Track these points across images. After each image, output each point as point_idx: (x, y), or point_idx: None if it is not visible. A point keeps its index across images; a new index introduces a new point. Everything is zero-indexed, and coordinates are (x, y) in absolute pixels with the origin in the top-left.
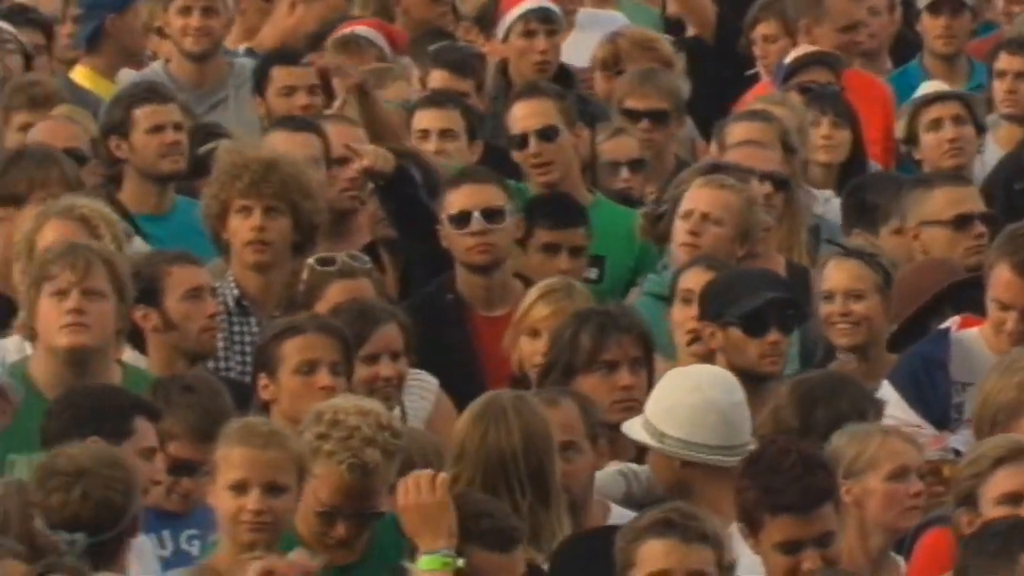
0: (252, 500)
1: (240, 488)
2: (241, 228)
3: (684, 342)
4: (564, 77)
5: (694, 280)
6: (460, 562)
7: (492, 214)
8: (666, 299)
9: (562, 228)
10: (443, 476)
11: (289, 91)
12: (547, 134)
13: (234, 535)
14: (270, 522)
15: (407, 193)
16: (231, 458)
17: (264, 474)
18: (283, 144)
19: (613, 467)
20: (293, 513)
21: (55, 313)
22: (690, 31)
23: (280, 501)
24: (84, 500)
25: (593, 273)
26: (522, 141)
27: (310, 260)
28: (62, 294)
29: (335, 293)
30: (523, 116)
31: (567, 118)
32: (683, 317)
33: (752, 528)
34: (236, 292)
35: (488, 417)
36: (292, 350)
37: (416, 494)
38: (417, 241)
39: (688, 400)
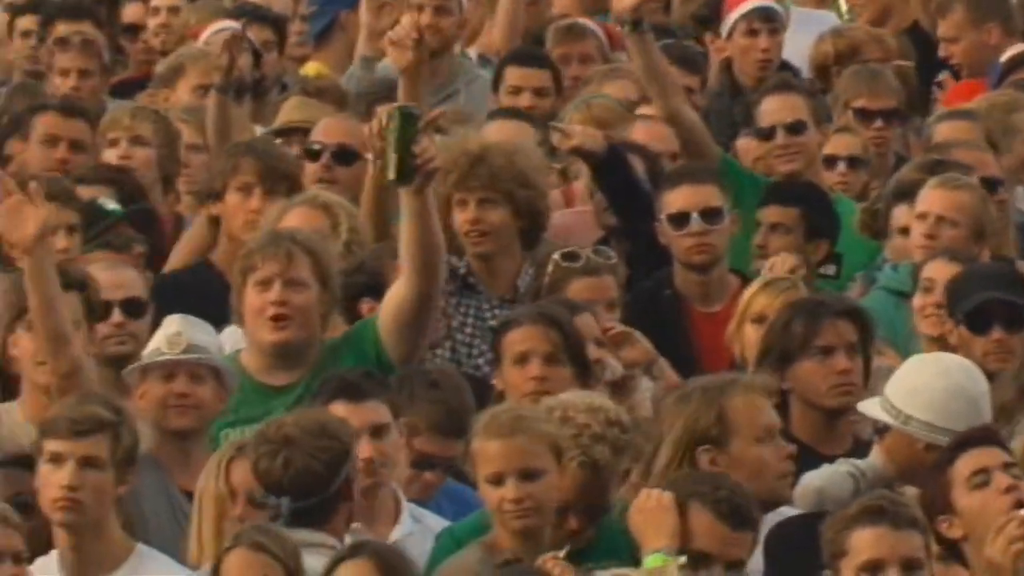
0: (509, 490)
1: (497, 480)
2: (460, 220)
3: (922, 330)
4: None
5: (935, 271)
6: (682, 559)
7: (711, 214)
8: (902, 294)
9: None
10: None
11: (516, 90)
12: (796, 128)
13: (502, 523)
14: (532, 507)
15: (621, 174)
16: (485, 451)
17: (516, 462)
18: (496, 133)
19: (841, 466)
20: (556, 492)
21: (259, 303)
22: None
23: (538, 485)
24: (286, 468)
25: (831, 270)
26: (769, 133)
27: (555, 255)
28: (265, 285)
29: (578, 289)
30: (774, 110)
31: (816, 116)
32: (921, 304)
33: (943, 499)
34: (464, 270)
35: (683, 403)
36: (509, 342)
37: (645, 500)
38: (635, 224)
39: (937, 384)
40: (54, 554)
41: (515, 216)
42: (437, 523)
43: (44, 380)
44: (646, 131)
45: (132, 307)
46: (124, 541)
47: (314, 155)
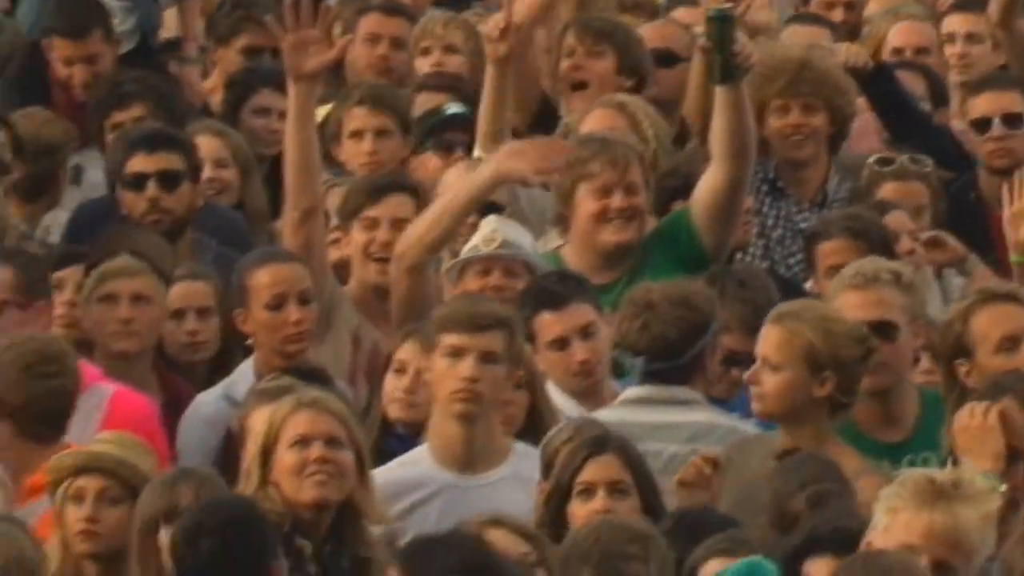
0: (750, 373)
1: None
2: (781, 125)
3: None
4: None
5: None
6: (1002, 488)
7: (1012, 120)
8: None
9: None
10: (997, 405)
11: (828, 6)
12: None
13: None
14: (759, 394)
15: (890, 92)
16: (762, 335)
17: (765, 350)
18: (793, 37)
19: None
20: (787, 394)
21: (598, 208)
22: None
23: (773, 377)
24: (642, 331)
25: None
26: None
27: (871, 159)
28: (605, 192)
29: (887, 192)
30: None
31: None
32: None
33: None
34: (772, 174)
35: None
36: (821, 254)
37: (968, 418)
38: (908, 142)
39: None
40: (424, 448)
41: (830, 122)
42: None
43: (373, 277)
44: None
45: (489, 211)
46: (506, 437)
47: None
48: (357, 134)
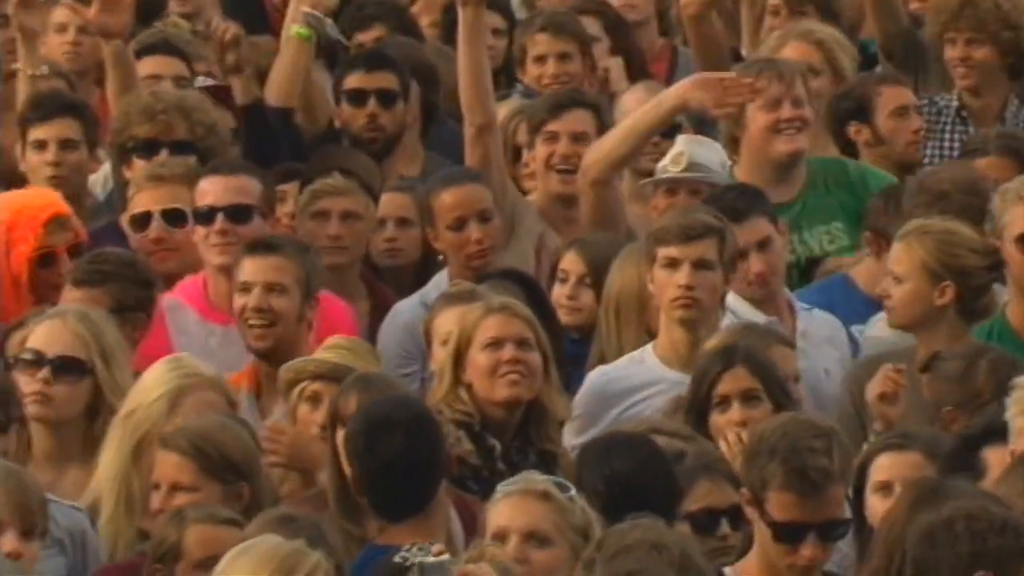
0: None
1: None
2: (949, 56)
3: None
4: None
5: None
6: None
7: None
8: None
9: None
10: None
11: None
12: None
13: None
14: (889, 306)
15: None
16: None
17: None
18: None
19: None
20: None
21: (770, 121)
22: None
23: (898, 290)
24: None
25: None
26: None
27: None
28: (774, 105)
29: None
30: None
31: None
32: None
33: None
34: (956, 103)
35: None
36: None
37: None
38: None
39: None
40: (649, 350)
41: (1000, 54)
42: None
43: (555, 187)
44: None
45: (676, 131)
46: None
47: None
48: (540, 59)
